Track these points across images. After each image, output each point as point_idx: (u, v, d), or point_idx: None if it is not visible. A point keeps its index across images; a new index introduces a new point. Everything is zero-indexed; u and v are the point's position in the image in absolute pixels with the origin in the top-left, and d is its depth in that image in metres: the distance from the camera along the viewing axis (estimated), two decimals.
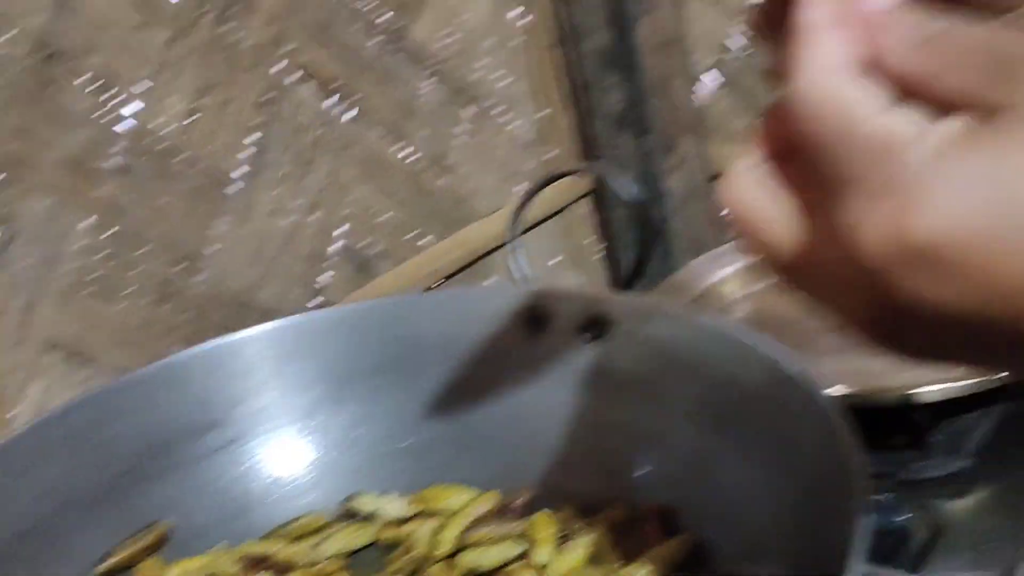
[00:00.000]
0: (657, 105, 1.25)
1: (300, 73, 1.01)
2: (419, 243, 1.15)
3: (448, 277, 1.16)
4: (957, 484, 0.71)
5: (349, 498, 0.68)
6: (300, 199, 1.03)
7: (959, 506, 0.70)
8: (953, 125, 0.25)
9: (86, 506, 0.62)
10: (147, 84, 0.90)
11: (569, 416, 0.67)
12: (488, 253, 1.22)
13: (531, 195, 0.75)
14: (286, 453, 0.69)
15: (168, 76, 0.92)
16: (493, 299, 0.69)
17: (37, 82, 0.83)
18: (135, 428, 0.65)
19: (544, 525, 0.62)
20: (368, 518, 0.67)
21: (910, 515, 0.65)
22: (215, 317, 0.97)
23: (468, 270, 1.19)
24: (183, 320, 0.94)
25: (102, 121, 0.87)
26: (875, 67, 0.27)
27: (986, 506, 0.71)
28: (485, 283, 1.18)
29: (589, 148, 1.31)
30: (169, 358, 0.67)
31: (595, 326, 0.65)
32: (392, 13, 1.09)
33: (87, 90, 0.86)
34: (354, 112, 1.06)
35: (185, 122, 0.93)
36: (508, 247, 0.72)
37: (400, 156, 1.12)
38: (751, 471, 0.56)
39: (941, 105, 0.27)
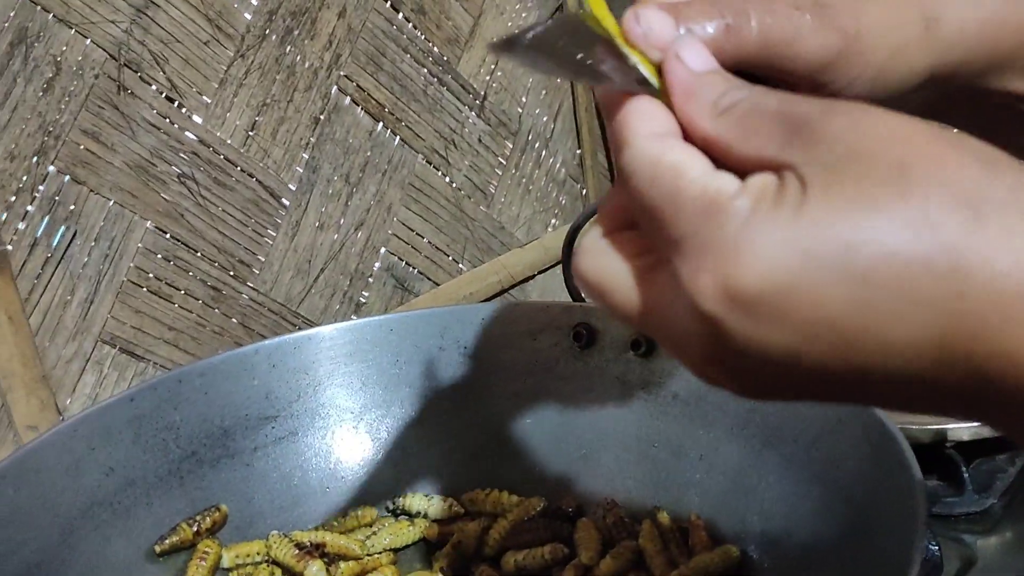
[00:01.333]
0: None
1: (352, 97, 1.05)
2: (457, 267, 1.18)
3: (483, 302, 1.19)
4: (986, 521, 0.73)
5: (398, 497, 0.70)
6: (348, 217, 1.06)
7: (988, 542, 0.72)
8: (763, 183, 0.27)
9: (150, 485, 0.64)
10: (211, 97, 0.94)
11: (615, 428, 0.69)
12: (524, 281, 1.26)
13: (592, 212, 0.77)
14: (339, 450, 0.71)
15: (231, 91, 0.96)
16: (543, 313, 0.72)
17: (110, 88, 0.87)
18: (198, 415, 0.67)
19: (589, 530, 0.64)
20: (416, 516, 0.69)
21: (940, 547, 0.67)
22: (260, 324, 0.99)
23: (503, 296, 1.22)
24: (231, 325, 0.97)
25: (168, 130, 0.91)
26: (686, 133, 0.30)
27: (1013, 545, 0.73)
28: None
29: None
30: (234, 351, 0.69)
31: (643, 343, 0.68)
32: (440, 48, 1.13)
33: (156, 99, 0.90)
34: (399, 138, 1.10)
35: (244, 136, 0.96)
36: (562, 261, 0.75)
37: (443, 183, 1.15)
38: (796, 488, 0.58)
39: (741, 167, 0.29)
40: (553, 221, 1.30)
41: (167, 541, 0.63)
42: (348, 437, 0.72)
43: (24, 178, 0.82)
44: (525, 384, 0.72)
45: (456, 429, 0.72)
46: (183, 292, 0.93)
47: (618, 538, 0.63)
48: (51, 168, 0.83)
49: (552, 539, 0.64)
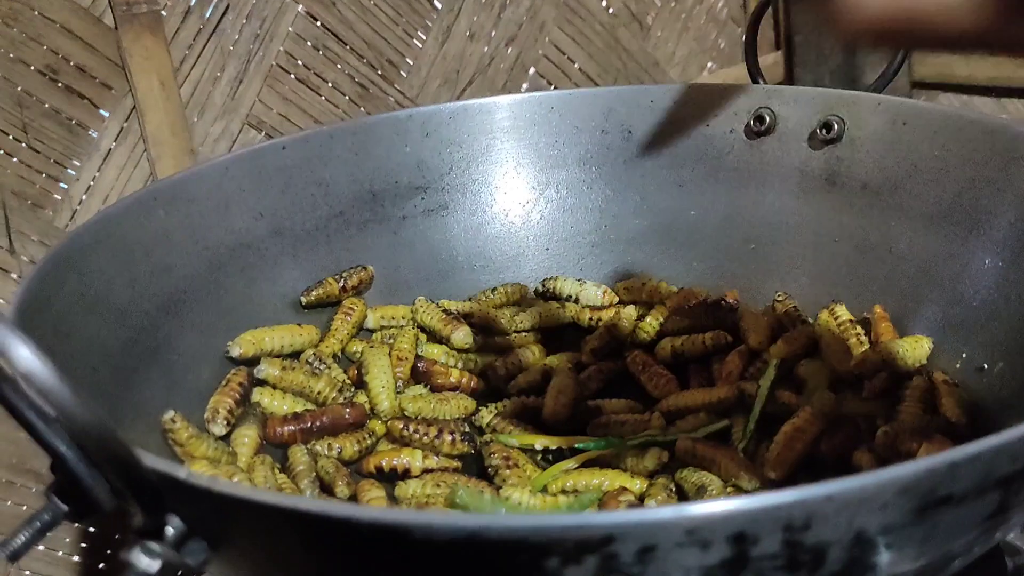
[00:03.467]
0: None
1: None
2: None
3: None
4: None
5: (549, 279, 0.66)
6: (499, 30, 1.01)
7: None
8: None
9: (297, 237, 0.62)
10: None
11: (790, 221, 0.63)
12: None
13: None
14: (489, 229, 0.68)
15: None
16: (720, 96, 0.66)
17: None
18: (348, 175, 0.64)
19: (756, 317, 0.59)
20: (566, 300, 0.65)
21: None
22: None
23: None
24: None
25: None
26: None
27: None
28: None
29: (787, 32, 1.26)
30: (388, 114, 0.66)
31: (834, 125, 0.61)
32: None
33: None
34: None
35: None
36: (745, 39, 0.68)
37: (599, 6, 1.09)
38: (1007, 273, 0.51)
39: None
40: (709, 64, 1.22)
41: (313, 293, 0.61)
42: (499, 216, 0.68)
43: None
44: (693, 173, 0.66)
45: (613, 217, 0.68)
46: (330, 85, 0.90)
47: (790, 326, 0.57)
48: None
49: (714, 327, 0.59)
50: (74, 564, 0.81)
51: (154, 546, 0.30)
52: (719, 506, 0.26)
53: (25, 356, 0.24)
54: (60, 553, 0.80)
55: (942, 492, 0.27)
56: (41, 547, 0.79)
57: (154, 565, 0.30)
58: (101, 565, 0.82)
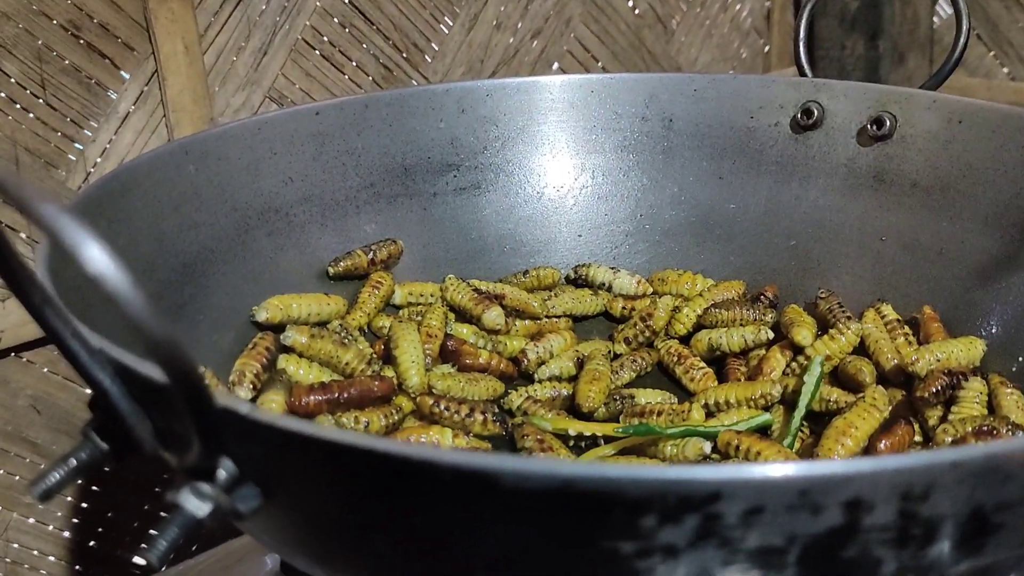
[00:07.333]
0: (895, 12, 1.17)
1: None
2: None
3: None
4: None
5: (581, 266, 0.64)
6: (526, 22, 0.99)
7: None
8: None
9: (326, 205, 0.60)
10: None
11: (834, 219, 0.61)
12: None
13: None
14: (521, 211, 0.65)
15: None
16: (766, 89, 0.64)
17: None
18: (380, 147, 0.62)
19: (799, 313, 0.57)
20: (599, 288, 0.63)
21: None
22: None
23: None
24: None
25: None
26: None
27: None
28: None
29: (809, 48, 1.25)
30: (424, 87, 0.64)
31: (885, 122, 0.60)
32: None
33: None
34: None
35: None
36: (801, 30, 0.67)
37: (626, 6, 1.07)
38: None
39: None
40: (731, 72, 1.21)
41: (341, 264, 0.59)
42: (532, 199, 0.66)
43: None
44: (734, 165, 0.65)
45: (650, 207, 0.66)
46: (354, 64, 0.88)
47: (834, 322, 0.56)
48: None
49: (754, 322, 0.58)
50: (64, 540, 0.77)
51: (205, 488, 0.27)
52: (840, 466, 0.24)
53: (96, 257, 0.22)
54: (51, 527, 0.77)
55: None
56: (31, 520, 0.75)
57: (204, 508, 0.27)
58: (92, 543, 0.79)
